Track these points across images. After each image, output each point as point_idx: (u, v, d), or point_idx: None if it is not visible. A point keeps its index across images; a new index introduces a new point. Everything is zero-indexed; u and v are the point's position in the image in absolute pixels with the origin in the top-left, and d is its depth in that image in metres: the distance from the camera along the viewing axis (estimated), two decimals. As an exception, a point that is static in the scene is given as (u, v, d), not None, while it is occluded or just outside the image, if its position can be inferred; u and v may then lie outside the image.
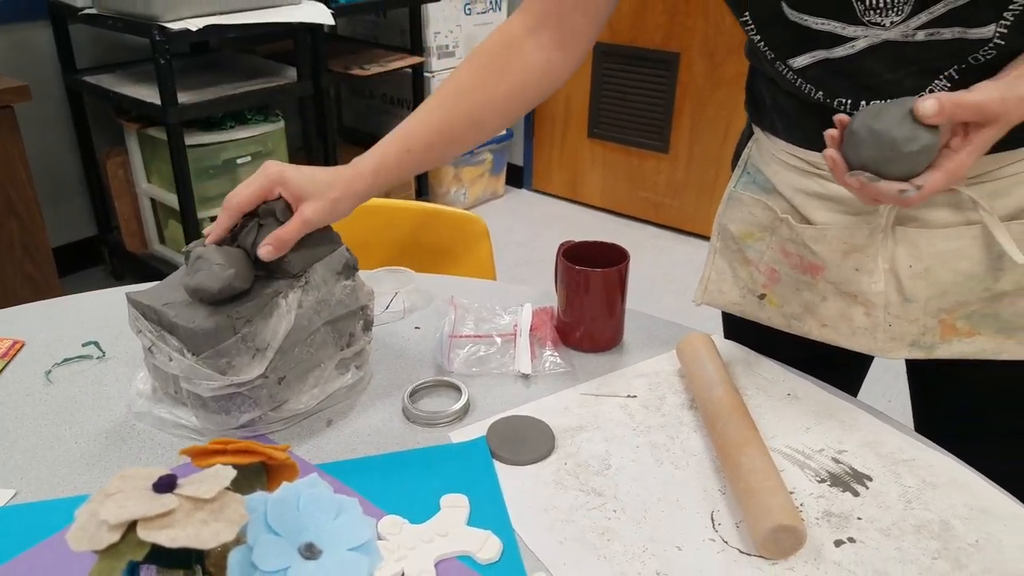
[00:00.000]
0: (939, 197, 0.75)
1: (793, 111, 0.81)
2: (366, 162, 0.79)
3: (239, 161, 2.21)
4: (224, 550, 0.44)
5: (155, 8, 1.91)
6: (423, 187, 2.97)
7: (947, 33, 0.66)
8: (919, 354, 0.82)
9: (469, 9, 2.95)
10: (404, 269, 1.06)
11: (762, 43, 0.75)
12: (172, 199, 2.18)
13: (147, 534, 0.38)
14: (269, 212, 0.76)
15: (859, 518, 0.69)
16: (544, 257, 2.72)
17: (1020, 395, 0.84)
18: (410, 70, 2.77)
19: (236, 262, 0.73)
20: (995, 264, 0.75)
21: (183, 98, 2.05)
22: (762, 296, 0.90)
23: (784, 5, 0.70)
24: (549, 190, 3.47)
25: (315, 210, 0.74)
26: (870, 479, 0.73)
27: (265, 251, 0.72)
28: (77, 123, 2.38)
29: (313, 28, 2.26)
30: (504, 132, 3.33)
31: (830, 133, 0.66)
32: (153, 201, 2.36)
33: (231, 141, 2.19)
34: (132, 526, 0.39)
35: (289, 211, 0.76)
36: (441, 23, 2.85)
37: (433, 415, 0.80)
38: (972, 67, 0.68)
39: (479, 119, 0.82)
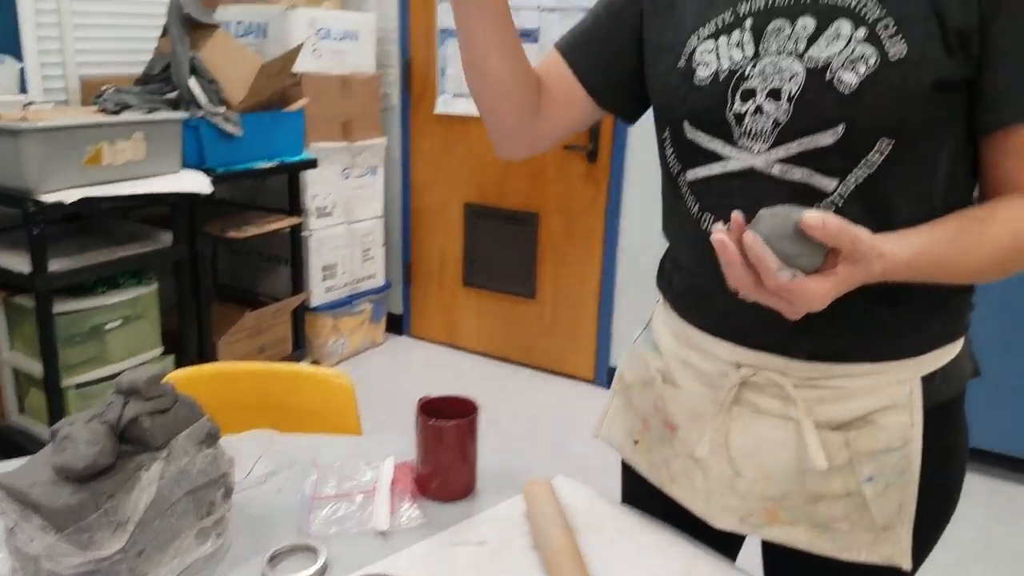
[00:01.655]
0: (771, 388, 0.83)
1: (681, 283, 0.92)
2: None
3: (108, 327, 2.20)
4: None
5: (29, 181, 1.95)
6: (299, 339, 3.01)
7: (798, 173, 0.77)
8: (747, 530, 0.89)
9: (347, 174, 3.14)
10: (269, 431, 1.11)
11: (672, 155, 0.88)
12: (36, 367, 2.14)
13: None
14: (134, 389, 0.82)
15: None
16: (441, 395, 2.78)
17: None
18: (289, 230, 2.88)
19: (101, 439, 0.78)
20: (810, 464, 0.81)
21: (54, 266, 2.06)
22: (636, 442, 1.00)
23: (686, 123, 0.84)
24: (428, 336, 3.58)
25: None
26: (687, 606, 0.83)
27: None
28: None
29: (192, 197, 2.35)
30: (384, 282, 3.46)
31: (735, 217, 0.69)
32: (16, 370, 2.29)
33: (100, 307, 2.19)
34: None
35: (155, 386, 0.82)
36: (319, 186, 3.01)
37: (290, 581, 0.84)
38: None
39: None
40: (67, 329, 2.11)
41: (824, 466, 0.80)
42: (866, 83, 0.72)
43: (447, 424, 0.98)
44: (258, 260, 3.16)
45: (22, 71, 2.42)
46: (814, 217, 0.64)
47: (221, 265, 3.32)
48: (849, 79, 0.73)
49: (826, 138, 0.74)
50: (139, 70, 2.58)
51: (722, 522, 0.90)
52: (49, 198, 1.96)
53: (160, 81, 2.44)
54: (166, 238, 2.38)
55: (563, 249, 3.13)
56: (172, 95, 2.40)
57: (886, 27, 0.72)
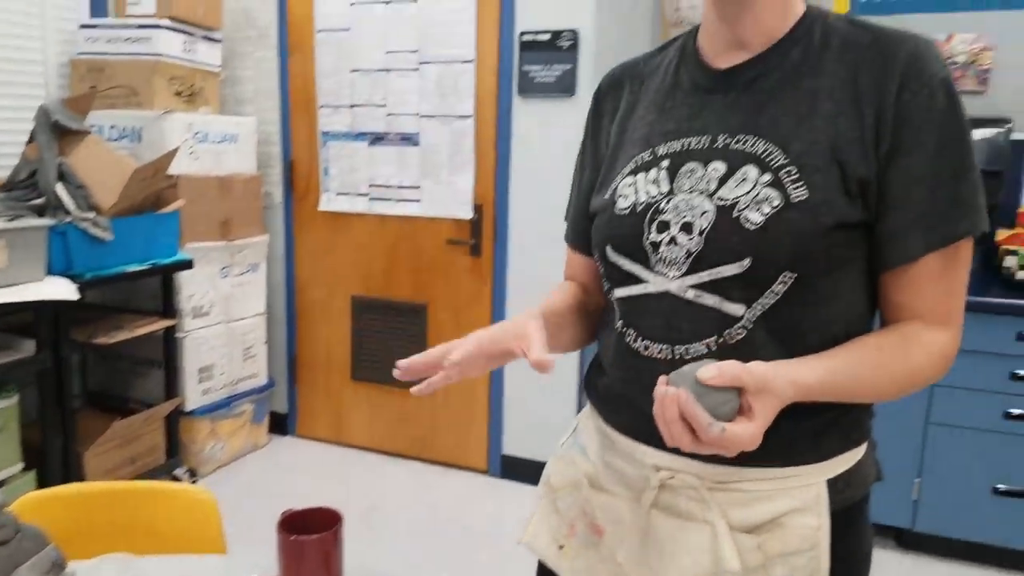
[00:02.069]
0: (688, 491, 0.87)
1: (605, 388, 0.97)
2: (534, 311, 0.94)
3: (-40, 442, 2.06)
4: None
5: None
6: (173, 447, 2.87)
7: (709, 299, 0.84)
8: None
9: (226, 272, 3.09)
10: (125, 555, 1.06)
11: (603, 274, 0.96)
12: None
13: None
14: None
15: None
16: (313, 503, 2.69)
17: None
18: (162, 333, 2.79)
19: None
20: (724, 567, 0.84)
21: None
22: (561, 547, 1.00)
23: (608, 247, 0.92)
24: (315, 435, 3.49)
25: (536, 326, 0.87)
26: None
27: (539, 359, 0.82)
28: None
29: (57, 303, 2.25)
30: (267, 380, 3.37)
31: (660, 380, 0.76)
32: None
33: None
34: None
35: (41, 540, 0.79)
36: (195, 286, 2.94)
37: None
38: (727, 345, 0.83)
39: (577, 310, 1.04)
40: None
41: (738, 569, 0.83)
42: (769, 222, 0.81)
43: (308, 539, 0.97)
44: (130, 364, 3.02)
45: None
46: (709, 370, 0.73)
47: (90, 371, 3.15)
48: (754, 218, 0.81)
49: (733, 269, 0.83)
50: (2, 176, 2.49)
51: None
52: None
53: (25, 187, 2.36)
54: (28, 347, 2.26)
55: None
56: (38, 201, 2.33)
57: (789, 173, 0.81)
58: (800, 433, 0.85)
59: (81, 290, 2.29)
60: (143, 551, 1.08)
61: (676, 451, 0.87)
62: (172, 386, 2.86)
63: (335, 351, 3.40)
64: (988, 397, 2.46)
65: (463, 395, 3.18)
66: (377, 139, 3.17)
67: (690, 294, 0.85)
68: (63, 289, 2.21)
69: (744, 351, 0.82)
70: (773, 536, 0.85)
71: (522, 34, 2.83)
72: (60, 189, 2.32)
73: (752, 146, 0.84)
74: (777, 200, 0.81)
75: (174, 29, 2.88)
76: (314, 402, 3.48)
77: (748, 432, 0.74)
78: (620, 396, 0.94)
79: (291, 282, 3.45)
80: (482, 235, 3.04)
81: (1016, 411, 2.43)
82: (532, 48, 2.82)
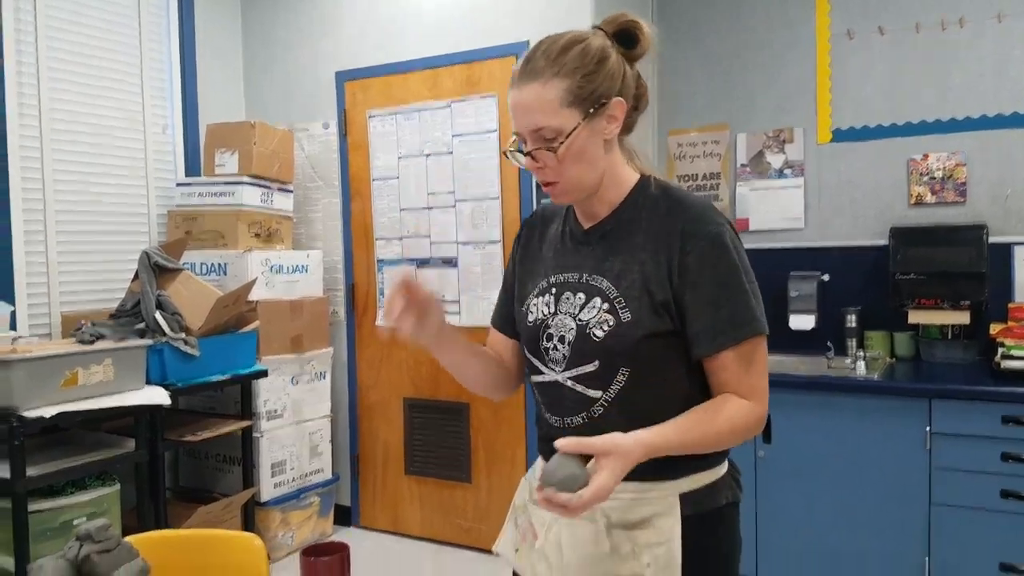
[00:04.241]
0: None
1: (538, 437, 1.34)
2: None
3: (75, 522, 2.52)
4: None
5: (15, 400, 2.36)
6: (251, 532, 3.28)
7: (578, 387, 1.22)
8: None
9: (296, 380, 3.58)
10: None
11: (525, 364, 1.33)
12: (8, 562, 2.42)
13: None
14: (88, 534, 1.18)
15: None
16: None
17: None
18: (240, 432, 3.26)
19: (61, 570, 1.13)
20: (608, 553, 1.18)
21: (32, 471, 2.41)
22: (517, 550, 1.35)
23: (524, 348, 1.31)
24: (375, 526, 3.84)
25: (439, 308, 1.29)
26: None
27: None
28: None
29: (153, 407, 2.75)
30: (332, 475, 3.77)
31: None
32: (-13, 568, 2.56)
33: (71, 505, 2.51)
34: None
35: (103, 532, 1.19)
36: (270, 392, 3.43)
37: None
38: (593, 418, 1.21)
39: (490, 360, 1.40)
40: (38, 525, 2.42)
41: (606, 549, 1.18)
42: (607, 335, 1.18)
43: (321, 559, 1.34)
44: (215, 462, 3.50)
45: (13, 314, 2.90)
46: (562, 443, 1.05)
47: (182, 468, 3.64)
48: (598, 333, 1.19)
49: (589, 367, 1.21)
50: (113, 305, 3.08)
51: None
52: (31, 414, 2.35)
53: (130, 315, 2.93)
54: (129, 444, 2.75)
55: (492, 435, 3.52)
56: (140, 326, 2.88)
57: (619, 302, 1.19)
58: (658, 462, 1.15)
59: (173, 396, 2.79)
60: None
61: None
62: (249, 479, 3.30)
63: (391, 447, 3.80)
64: (985, 478, 2.60)
65: (504, 486, 3.49)
66: (423, 263, 3.68)
67: (569, 383, 1.24)
68: (158, 395, 2.72)
69: (605, 423, 1.18)
70: (643, 531, 1.19)
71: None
72: (158, 315, 2.87)
73: (599, 283, 1.23)
74: (612, 320, 1.19)
75: (254, 184, 3.51)
76: (373, 494, 3.86)
77: (597, 486, 1.02)
78: (542, 441, 1.33)
79: (353, 387, 3.90)
80: (515, 339, 3.44)
81: (1011, 488, 2.57)
82: (548, 177, 3.29)
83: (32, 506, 2.42)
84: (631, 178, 1.27)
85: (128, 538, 1.61)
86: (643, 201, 1.25)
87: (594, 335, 1.19)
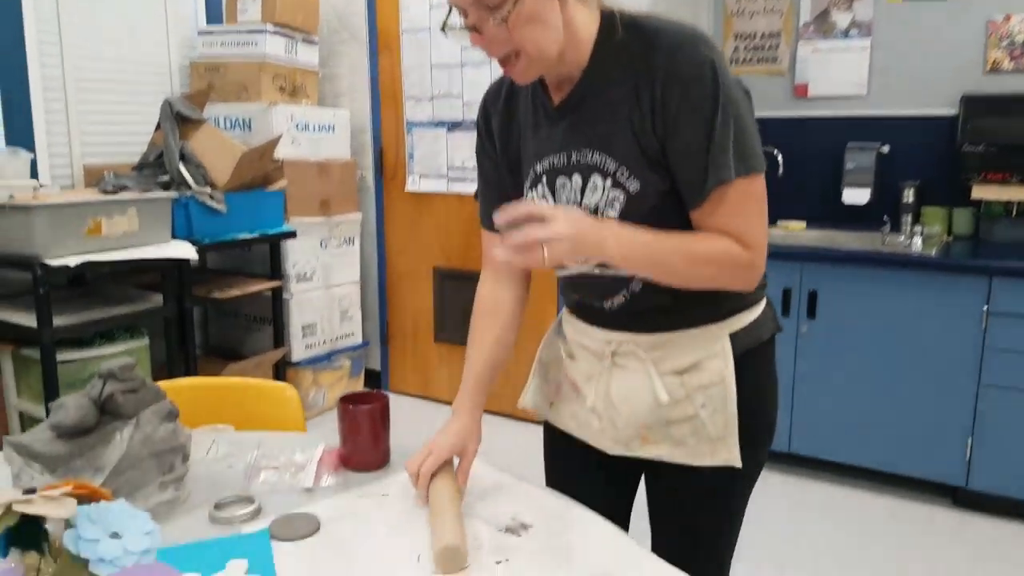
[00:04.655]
0: (631, 355, 1.17)
1: (569, 300, 1.30)
2: (463, 405, 1.31)
3: (105, 374, 2.50)
4: (59, 543, 0.76)
5: (38, 249, 2.28)
6: (283, 395, 3.29)
7: (610, 270, 1.11)
8: (629, 452, 1.21)
9: (325, 244, 3.49)
10: (225, 426, 1.39)
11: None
12: (40, 411, 2.42)
13: (18, 507, 0.70)
14: (111, 373, 1.11)
15: (517, 548, 1.04)
16: (402, 442, 3.04)
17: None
18: (270, 293, 3.20)
19: (85, 407, 1.06)
20: (659, 400, 1.16)
21: (59, 321, 2.37)
22: (552, 404, 1.34)
23: None
24: (405, 390, 3.85)
25: (476, 442, 1.28)
26: (531, 525, 1.10)
27: (462, 482, 1.20)
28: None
29: (180, 262, 2.67)
30: (362, 340, 3.75)
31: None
32: (21, 414, 2.58)
33: (99, 357, 2.49)
34: (8, 509, 0.71)
35: (127, 371, 1.11)
36: (299, 255, 3.35)
37: (230, 517, 1.11)
38: (636, 293, 1.14)
39: (499, 349, 1.33)
40: (68, 376, 2.41)
41: (666, 399, 1.14)
42: (623, 214, 1.07)
43: (360, 408, 1.26)
44: (245, 321, 3.47)
45: (33, 161, 2.79)
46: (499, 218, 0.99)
47: (212, 328, 3.63)
48: (611, 214, 1.08)
49: None
50: (135, 159, 2.96)
51: (614, 450, 1.22)
52: (55, 262, 2.28)
53: (154, 167, 2.81)
54: (157, 299, 2.69)
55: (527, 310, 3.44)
56: (164, 178, 2.77)
57: (621, 173, 1.06)
58: (703, 305, 1.14)
59: (200, 253, 2.71)
60: (241, 428, 1.40)
61: (619, 330, 1.20)
62: (279, 339, 3.27)
63: (420, 315, 3.75)
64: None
65: (527, 355, 3.44)
66: (454, 126, 3.48)
67: (596, 270, 1.14)
68: (185, 250, 2.63)
69: (650, 293, 1.12)
70: (692, 375, 1.16)
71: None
72: (182, 168, 2.74)
73: (591, 158, 1.08)
74: (621, 196, 1.07)
75: (277, 34, 3.28)
76: (403, 361, 3.84)
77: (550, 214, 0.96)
78: (579, 304, 1.27)
79: (382, 254, 3.81)
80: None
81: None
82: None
83: (61, 356, 2.40)
84: (592, 26, 1.08)
85: (163, 382, 1.55)
86: (611, 49, 1.07)
87: (607, 216, 1.08)
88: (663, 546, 1.17)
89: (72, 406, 1.05)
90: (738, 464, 1.16)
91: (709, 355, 1.15)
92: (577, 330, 1.28)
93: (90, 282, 2.85)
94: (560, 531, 1.08)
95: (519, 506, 1.15)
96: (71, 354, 2.45)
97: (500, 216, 0.98)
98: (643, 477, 1.31)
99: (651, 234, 1.04)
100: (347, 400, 1.29)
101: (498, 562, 1.00)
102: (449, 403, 3.82)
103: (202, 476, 1.24)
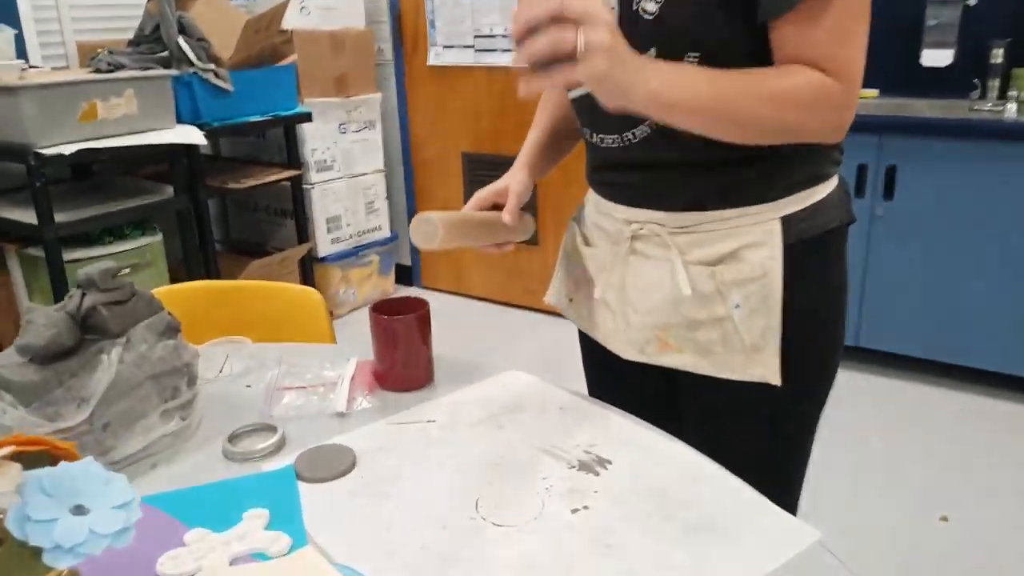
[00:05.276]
0: (654, 239, 0.97)
1: (589, 164, 1.08)
2: (515, 163, 1.10)
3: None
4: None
5: (30, 136, 2.05)
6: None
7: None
8: (645, 358, 1.02)
9: (344, 129, 3.20)
10: (242, 338, 1.19)
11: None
12: (51, 315, 2.26)
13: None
14: (90, 281, 0.89)
15: (595, 491, 0.84)
16: (440, 368, 2.88)
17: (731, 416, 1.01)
18: (289, 183, 2.96)
19: (59, 323, 0.86)
20: (680, 293, 0.95)
21: (61, 217, 2.17)
22: (571, 300, 1.16)
23: None
24: (437, 286, 3.66)
25: (516, 191, 1.03)
26: (610, 463, 0.89)
27: (505, 216, 0.99)
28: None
29: (189, 150, 2.43)
30: (391, 234, 3.53)
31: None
32: (33, 320, 2.42)
33: (108, 255, 2.30)
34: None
35: (108, 278, 0.90)
36: (318, 140, 3.08)
37: (249, 452, 0.92)
38: (660, 126, 0.91)
39: (564, 122, 1.14)
40: (77, 277, 2.22)
41: (687, 291, 0.94)
42: (663, 11, 0.83)
43: (398, 319, 1.04)
44: (266, 215, 3.25)
45: (18, 37, 2.51)
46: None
47: (232, 222, 3.42)
48: (650, 7, 0.84)
49: (648, 54, 0.86)
50: (131, 36, 2.65)
51: (627, 354, 1.04)
52: (49, 151, 2.06)
53: (151, 42, 2.51)
54: (167, 191, 2.47)
55: (560, 195, 3.17)
56: (163, 54, 2.48)
57: None
58: (750, 176, 0.91)
59: (211, 138, 2.46)
60: (264, 340, 1.20)
61: (643, 206, 0.98)
62: (303, 233, 3.06)
63: (450, 206, 3.50)
64: None
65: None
66: (484, -15, 3.11)
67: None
68: (191, 134, 2.38)
69: (676, 133, 0.87)
70: (728, 267, 0.93)
71: None
72: (181, 41, 2.45)
73: None
74: None
75: None
76: (435, 255, 3.63)
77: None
78: (593, 173, 1.07)
79: (406, 139, 3.53)
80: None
81: None
82: None
83: (67, 255, 2.21)
84: None
85: (165, 288, 1.35)
86: None
87: (644, 11, 0.84)
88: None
89: (41, 323, 0.85)
90: (775, 381, 0.94)
91: (751, 243, 0.92)
92: (597, 210, 1.08)
93: (96, 175, 2.63)
94: (648, 469, 0.87)
95: (593, 435, 0.95)
96: (78, 253, 2.26)
97: (515, 18, 0.70)
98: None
99: (704, 70, 0.80)
100: (381, 309, 1.07)
101: (574, 510, 0.81)
102: (485, 299, 3.66)
103: (215, 400, 1.05)
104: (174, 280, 2.58)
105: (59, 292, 2.18)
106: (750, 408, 0.99)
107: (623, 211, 1.01)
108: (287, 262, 2.95)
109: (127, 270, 2.34)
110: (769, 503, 0.80)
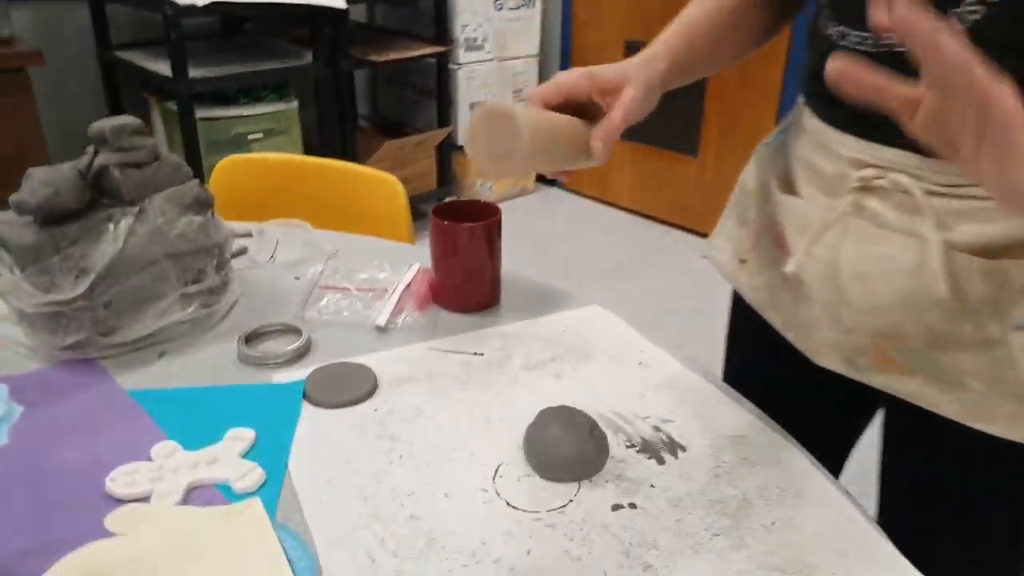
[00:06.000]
0: (898, 196, 0.64)
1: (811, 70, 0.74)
2: (657, 50, 0.74)
3: (250, 137, 2.28)
4: None
5: (164, -12, 2.00)
6: (446, 178, 2.99)
7: None
8: (852, 372, 0.72)
9: (500, 4, 2.96)
10: (302, 222, 1.06)
11: None
12: (183, 169, 2.27)
13: None
14: (101, 137, 0.77)
15: (652, 486, 0.64)
16: (565, 255, 2.70)
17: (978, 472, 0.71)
18: (435, 60, 2.79)
19: (60, 182, 0.75)
20: (930, 291, 0.63)
21: (197, 73, 2.13)
22: (743, 261, 0.83)
23: None
24: (580, 189, 3.43)
25: (633, 96, 0.67)
26: (684, 450, 0.69)
27: (596, 144, 0.67)
28: (110, 96, 2.51)
29: (336, 15, 2.31)
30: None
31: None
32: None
33: (242, 117, 2.26)
34: None
35: (122, 135, 0.78)
36: (470, 16, 2.87)
37: (262, 357, 0.79)
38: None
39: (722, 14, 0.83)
40: (210, 134, 2.20)
41: (942, 290, 0.61)
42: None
43: (460, 226, 0.87)
44: (412, 93, 3.12)
45: None
46: None
47: (381, 97, 3.33)
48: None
49: None
50: None
51: (824, 360, 0.74)
52: (183, 1, 1.99)
53: None
54: (306, 56, 2.38)
55: (733, 104, 2.79)
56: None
57: None
58: None
59: (368, 5, 2.30)
60: (335, 227, 1.07)
61: (890, 142, 0.63)
62: (444, 116, 2.91)
63: (608, 103, 3.21)
64: None
65: (737, 164, 2.85)
66: None
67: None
68: (333, -2, 2.25)
69: (985, 35, 0.53)
70: (1018, 264, 0.59)
71: None
72: None
73: None
74: None
75: None
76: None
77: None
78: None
79: (567, 23, 3.23)
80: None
81: None
82: None
83: (200, 113, 2.18)
84: None
85: (232, 158, 1.23)
86: None
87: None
88: (897, 532, 0.62)
89: (39, 180, 0.74)
90: None
91: None
92: (814, 137, 0.72)
93: (246, 33, 2.58)
94: (739, 471, 0.66)
95: (672, 408, 0.74)
96: (212, 111, 2.23)
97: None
98: (883, 414, 0.80)
99: None
100: (443, 213, 0.89)
101: (617, 506, 0.62)
102: (630, 211, 3.39)
103: (255, 289, 0.93)
104: (307, 151, 2.52)
105: (190, 149, 2.17)
106: (1008, 476, 0.69)
107: (854, 145, 0.67)
108: (424, 145, 2.82)
109: (259, 135, 2.30)
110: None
